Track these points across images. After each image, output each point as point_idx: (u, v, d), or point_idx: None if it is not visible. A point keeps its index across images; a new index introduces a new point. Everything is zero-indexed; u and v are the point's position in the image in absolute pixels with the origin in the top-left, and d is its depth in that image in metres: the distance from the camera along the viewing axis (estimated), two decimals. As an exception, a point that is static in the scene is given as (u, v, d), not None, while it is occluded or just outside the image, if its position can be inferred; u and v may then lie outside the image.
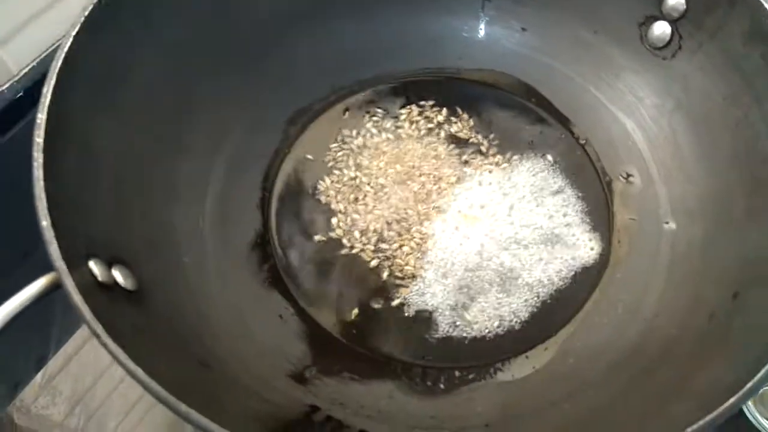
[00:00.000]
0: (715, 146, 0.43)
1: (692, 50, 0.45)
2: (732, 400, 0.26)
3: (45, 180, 0.32)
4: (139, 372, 0.27)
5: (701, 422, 0.25)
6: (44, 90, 0.34)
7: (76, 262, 0.31)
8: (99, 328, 0.28)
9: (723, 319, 0.35)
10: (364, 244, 0.45)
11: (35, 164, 0.32)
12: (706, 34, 0.43)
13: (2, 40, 0.54)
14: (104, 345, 0.27)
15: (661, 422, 0.30)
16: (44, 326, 0.49)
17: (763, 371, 0.27)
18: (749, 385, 0.27)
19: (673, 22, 0.45)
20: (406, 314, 0.42)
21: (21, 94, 0.55)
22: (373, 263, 0.44)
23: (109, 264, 0.34)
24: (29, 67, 0.57)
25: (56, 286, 0.31)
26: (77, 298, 0.29)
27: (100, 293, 0.32)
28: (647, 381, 0.35)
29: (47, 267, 0.30)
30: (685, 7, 0.44)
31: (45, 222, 0.30)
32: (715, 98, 0.43)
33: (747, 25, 0.40)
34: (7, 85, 0.55)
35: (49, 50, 0.59)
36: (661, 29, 0.46)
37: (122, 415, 0.47)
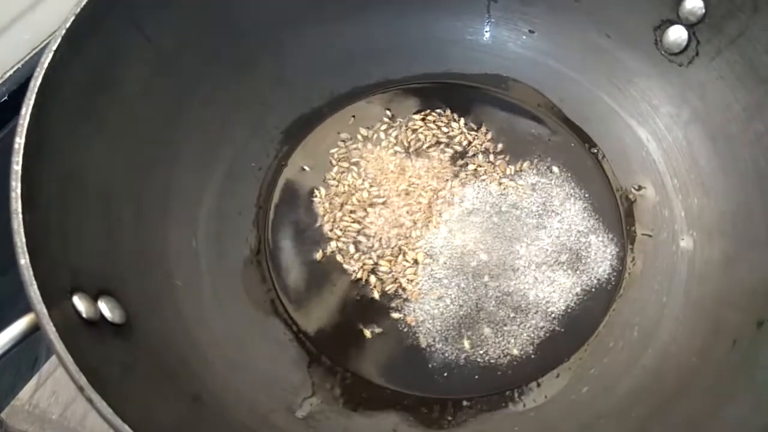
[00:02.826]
0: (734, 160, 0.41)
1: (710, 57, 0.42)
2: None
3: (24, 211, 0.29)
4: (126, 430, 0.25)
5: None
6: (23, 111, 0.32)
7: (58, 300, 0.29)
8: (83, 381, 0.26)
9: (747, 349, 0.34)
10: (363, 264, 0.43)
11: (13, 194, 0.30)
12: (725, 40, 0.41)
13: (-16, 42, 0.52)
14: (89, 400, 0.25)
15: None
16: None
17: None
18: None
19: (690, 27, 0.43)
20: (408, 341, 0.40)
21: (6, 98, 0.54)
22: (372, 284, 0.42)
23: (95, 297, 0.32)
24: (14, 69, 0.55)
25: (36, 328, 0.29)
26: (59, 346, 0.27)
27: (86, 331, 0.30)
28: (666, 415, 0.34)
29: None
30: (703, 11, 0.41)
31: (23, 260, 0.28)
32: (735, 109, 0.41)
33: (772, 31, 0.38)
34: (-9, 90, 0.53)
35: (34, 52, 0.57)
36: (677, 34, 0.43)
37: (104, 429, 0.46)
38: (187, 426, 0.31)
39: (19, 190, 0.30)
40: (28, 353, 0.49)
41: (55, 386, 0.46)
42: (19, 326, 0.29)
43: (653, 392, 0.36)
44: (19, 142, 0.31)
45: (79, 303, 0.31)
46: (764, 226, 0.38)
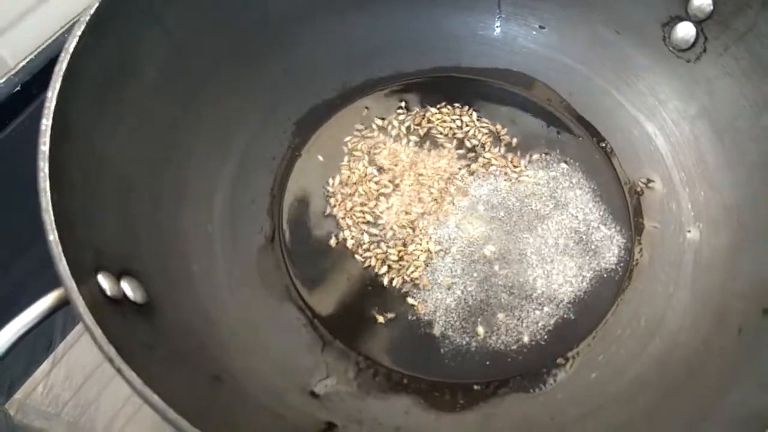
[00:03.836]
0: (740, 155, 0.42)
1: (718, 53, 0.43)
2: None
3: (52, 190, 0.30)
4: (156, 399, 0.26)
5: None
6: (49, 94, 0.33)
7: (84, 277, 0.30)
8: (112, 352, 0.26)
9: (752, 336, 0.34)
10: (375, 253, 0.44)
11: (41, 174, 0.31)
12: (733, 36, 0.42)
13: (-1, 31, 0.53)
14: (119, 370, 0.26)
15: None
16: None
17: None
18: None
19: (698, 23, 0.44)
20: (420, 328, 0.41)
21: (18, 88, 0.54)
22: (383, 272, 0.43)
23: (118, 276, 0.33)
24: (27, 60, 0.56)
25: (65, 303, 0.30)
26: (89, 319, 0.27)
27: (110, 308, 0.31)
28: (673, 401, 0.34)
29: (45, 261, 0.29)
30: (711, 7, 0.42)
31: (52, 236, 0.29)
32: (742, 105, 0.42)
33: (780, 28, 0.39)
34: (4, 79, 0.54)
35: (47, 43, 0.58)
36: (685, 30, 0.44)
37: (115, 410, 0.46)
38: (207, 404, 0.32)
39: (47, 170, 0.31)
40: (42, 338, 0.49)
41: (69, 371, 0.47)
42: (46, 301, 0.30)
43: (660, 379, 0.37)
44: (46, 123, 0.32)
45: (104, 281, 0.31)
46: (765, 216, 0.39)
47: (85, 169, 0.34)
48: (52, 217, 0.29)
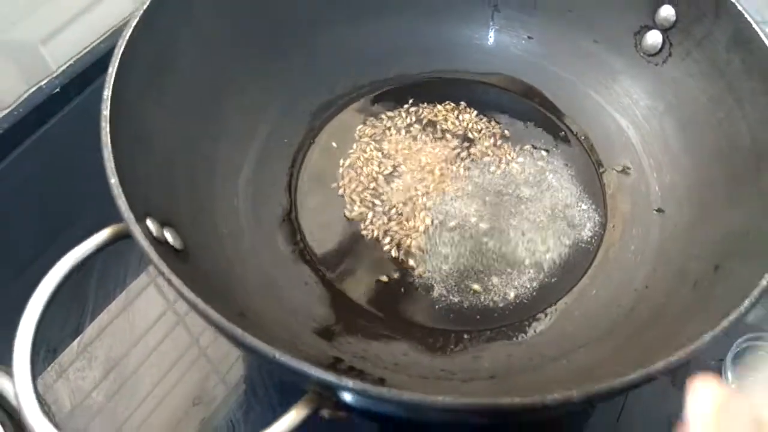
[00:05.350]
0: (700, 142, 0.48)
1: (681, 57, 0.50)
2: (707, 337, 0.30)
3: (112, 144, 0.36)
4: (200, 302, 0.31)
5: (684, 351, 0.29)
6: (109, 70, 0.39)
7: (137, 215, 0.35)
8: (163, 266, 0.32)
9: (705, 288, 0.40)
10: (379, 226, 0.49)
11: (103, 132, 0.36)
12: (693, 42, 0.48)
13: (45, 38, 0.59)
14: (168, 281, 0.32)
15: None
16: (81, 296, 0.53)
17: (735, 314, 0.31)
18: (720, 326, 0.31)
19: (664, 32, 0.50)
20: (419, 289, 0.46)
21: (57, 90, 0.60)
22: (386, 241, 0.48)
23: (161, 225, 0.38)
24: (66, 65, 0.62)
25: (118, 238, 0.36)
26: (144, 242, 0.33)
27: (156, 246, 0.36)
28: (637, 340, 0.40)
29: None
30: (675, 18, 0.49)
31: (113, 179, 0.35)
32: (701, 100, 0.48)
33: (730, 33, 0.45)
34: (45, 81, 0.60)
35: (86, 50, 0.63)
36: (653, 38, 0.51)
37: (154, 384, 0.51)
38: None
39: (108, 128, 0.36)
40: (70, 320, 0.53)
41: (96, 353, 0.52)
42: (102, 235, 0.35)
43: (628, 326, 0.42)
44: (107, 93, 0.38)
45: (151, 225, 0.37)
46: (723, 193, 0.44)
47: (133, 139, 0.39)
48: (113, 164, 0.35)
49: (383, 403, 0.30)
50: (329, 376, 0.28)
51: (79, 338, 0.52)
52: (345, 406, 0.32)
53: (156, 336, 0.51)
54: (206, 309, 0.31)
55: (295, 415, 0.30)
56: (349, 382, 0.28)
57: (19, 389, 0.31)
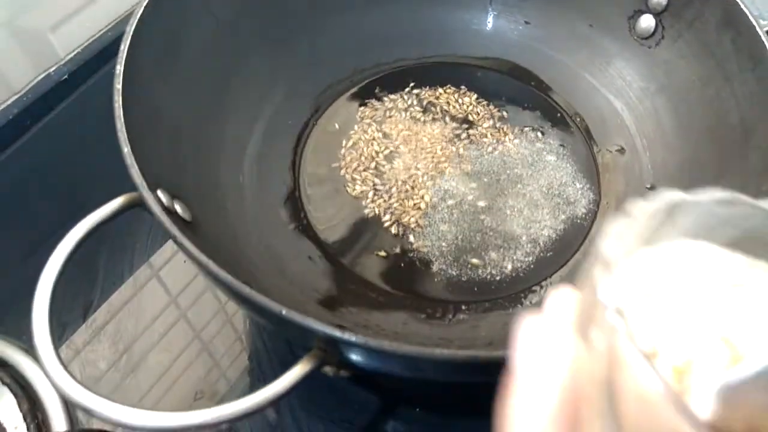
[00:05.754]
0: (691, 121, 0.49)
1: (673, 39, 0.51)
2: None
3: (124, 116, 0.37)
4: (211, 264, 0.32)
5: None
6: (121, 47, 0.40)
7: (149, 185, 0.37)
8: (175, 230, 0.33)
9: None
10: (379, 204, 0.51)
11: (116, 105, 0.38)
12: (684, 25, 0.50)
13: (54, 26, 0.61)
14: (180, 245, 0.33)
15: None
16: (91, 274, 0.55)
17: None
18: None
19: (657, 15, 0.52)
20: (418, 263, 0.48)
21: (66, 77, 0.62)
22: (387, 218, 0.50)
23: (171, 197, 0.40)
24: (74, 52, 0.63)
25: (131, 206, 0.37)
26: (157, 208, 0.34)
27: (168, 214, 0.38)
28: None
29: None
30: (667, 1, 0.51)
31: (126, 149, 0.36)
32: (692, 80, 0.50)
33: (719, 15, 0.47)
34: (54, 68, 0.61)
35: (94, 38, 0.65)
36: (647, 22, 0.52)
37: (156, 379, 0.52)
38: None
39: (120, 102, 0.38)
40: (81, 298, 0.55)
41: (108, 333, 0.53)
42: (116, 203, 0.37)
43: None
44: (119, 69, 0.40)
45: (162, 195, 0.38)
46: (712, 171, 0.46)
47: (144, 114, 0.41)
48: (125, 135, 0.37)
49: (384, 358, 0.31)
50: (333, 331, 0.30)
51: (79, 338, 0.53)
52: (347, 365, 0.34)
53: (158, 331, 0.52)
54: (217, 270, 0.32)
55: (300, 369, 0.31)
56: (352, 336, 0.30)
57: (40, 350, 0.32)
